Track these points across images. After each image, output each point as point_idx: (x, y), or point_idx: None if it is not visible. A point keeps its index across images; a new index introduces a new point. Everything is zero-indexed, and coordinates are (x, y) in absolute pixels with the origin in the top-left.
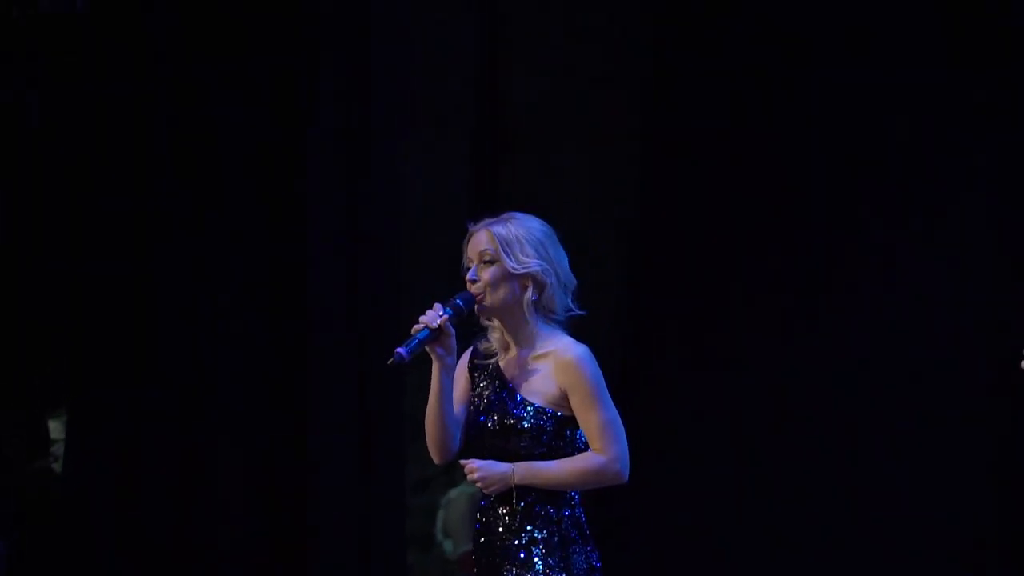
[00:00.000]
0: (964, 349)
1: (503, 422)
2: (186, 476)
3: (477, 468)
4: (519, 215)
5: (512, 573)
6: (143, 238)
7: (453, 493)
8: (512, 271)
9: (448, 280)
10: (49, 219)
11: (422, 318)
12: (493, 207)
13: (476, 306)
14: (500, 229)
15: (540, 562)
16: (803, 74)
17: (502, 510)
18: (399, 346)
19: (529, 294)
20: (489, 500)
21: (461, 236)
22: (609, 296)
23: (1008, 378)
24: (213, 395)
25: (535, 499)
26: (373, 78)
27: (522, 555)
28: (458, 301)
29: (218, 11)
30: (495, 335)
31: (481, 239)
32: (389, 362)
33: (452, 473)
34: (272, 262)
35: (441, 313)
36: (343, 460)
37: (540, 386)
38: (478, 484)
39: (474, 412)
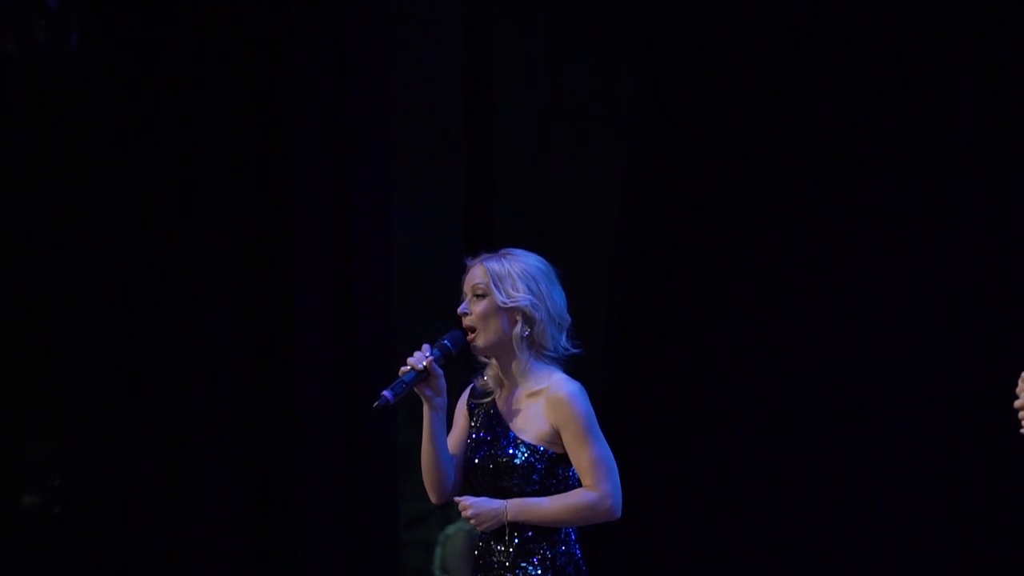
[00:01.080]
0: (964, 347)
1: (496, 460)
2: (175, 507)
3: (470, 505)
4: (517, 251)
5: None
6: (134, 269)
7: (450, 529)
8: (501, 305)
9: (442, 315)
10: (34, 236)
11: (409, 360)
12: (488, 241)
13: (470, 344)
14: (494, 264)
15: None
16: (795, 89)
17: (497, 547)
18: (385, 389)
19: (519, 329)
20: (485, 536)
21: (455, 269)
22: (604, 322)
23: (1001, 374)
24: (201, 431)
25: (531, 536)
26: (358, 111)
27: None
28: (445, 342)
29: (205, 52)
30: (491, 372)
31: (475, 274)
32: (375, 405)
33: (449, 509)
34: (261, 298)
35: (428, 355)
36: (335, 497)
37: (532, 424)
38: (471, 521)
39: (470, 450)
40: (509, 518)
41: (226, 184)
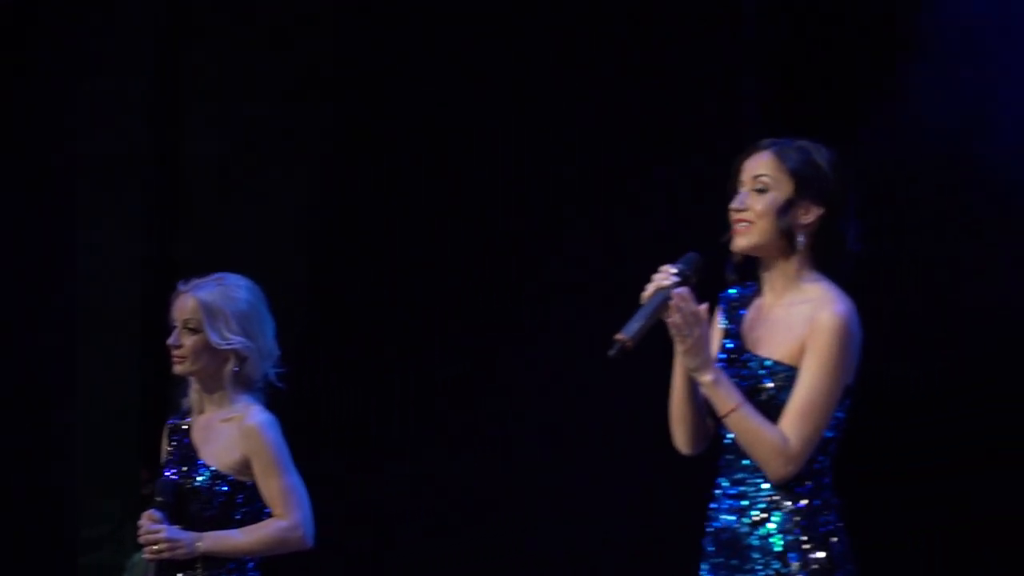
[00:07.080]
0: None
1: (181, 485)
2: None
3: (163, 530)
4: (228, 280)
5: None
6: None
7: (136, 557)
8: (215, 345)
9: (128, 343)
10: None
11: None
12: (171, 269)
13: (176, 366)
14: (207, 298)
15: None
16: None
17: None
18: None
19: (230, 367)
20: (169, 564)
21: (137, 298)
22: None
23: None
24: None
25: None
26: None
27: None
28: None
29: None
30: (194, 395)
31: (187, 305)
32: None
33: (123, 533)
34: None
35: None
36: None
37: (222, 450)
38: (163, 548)
39: (164, 469)
40: (202, 551)
41: None
